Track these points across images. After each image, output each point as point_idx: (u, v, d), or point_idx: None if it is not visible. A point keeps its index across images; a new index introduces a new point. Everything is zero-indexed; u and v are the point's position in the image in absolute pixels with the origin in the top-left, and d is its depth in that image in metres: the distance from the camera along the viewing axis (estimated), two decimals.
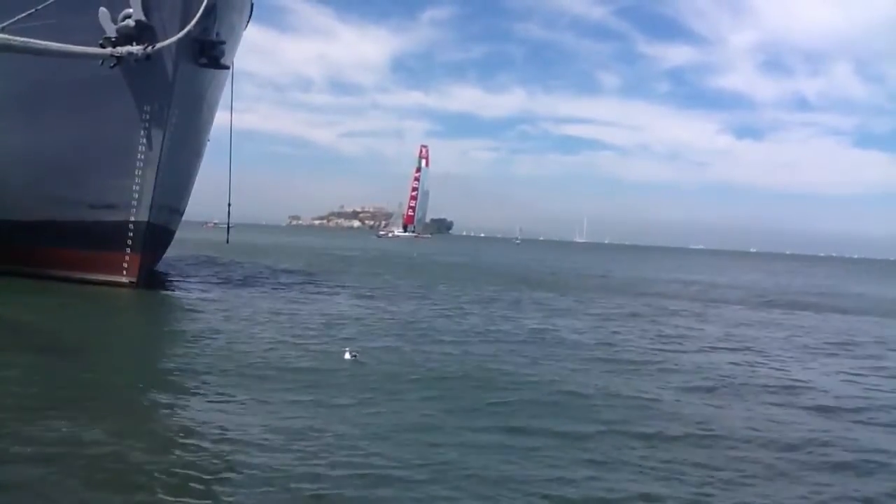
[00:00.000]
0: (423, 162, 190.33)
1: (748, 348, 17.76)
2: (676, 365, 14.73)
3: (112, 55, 19.36)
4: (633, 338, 18.35)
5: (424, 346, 15.25)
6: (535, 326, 19.49)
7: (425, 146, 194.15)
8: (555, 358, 14.62)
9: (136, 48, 19.34)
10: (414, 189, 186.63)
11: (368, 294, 25.93)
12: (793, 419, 10.73)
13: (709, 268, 79.74)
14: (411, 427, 9.15)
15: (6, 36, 17.77)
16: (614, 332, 19.14)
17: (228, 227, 28.34)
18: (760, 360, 15.95)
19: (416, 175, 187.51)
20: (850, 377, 14.71)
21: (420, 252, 78.14)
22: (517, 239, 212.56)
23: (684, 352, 16.70)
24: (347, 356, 13.01)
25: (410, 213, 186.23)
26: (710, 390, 12.49)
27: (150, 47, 19.35)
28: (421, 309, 22.25)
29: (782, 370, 14.94)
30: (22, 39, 17.85)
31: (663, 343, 17.79)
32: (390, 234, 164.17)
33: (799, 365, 15.76)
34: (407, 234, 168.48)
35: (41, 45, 18.13)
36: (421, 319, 19.65)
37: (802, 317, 26.99)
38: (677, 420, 10.19)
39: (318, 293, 25.45)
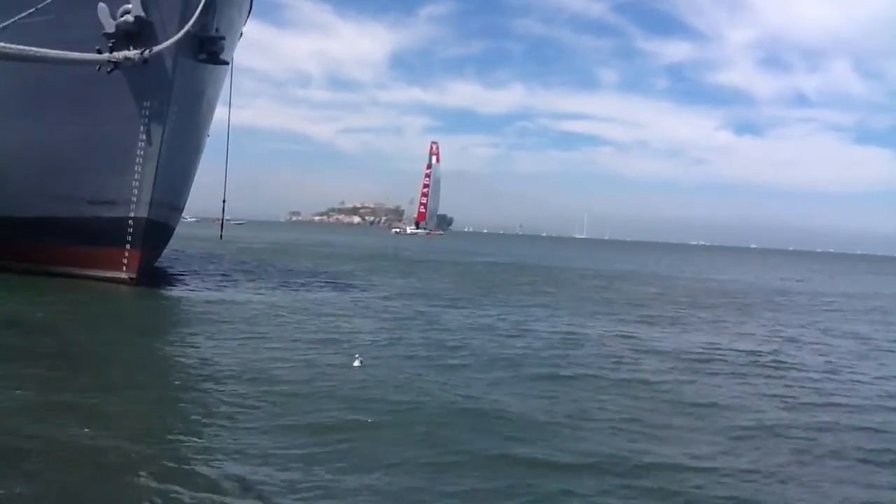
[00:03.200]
0: (434, 158, 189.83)
1: None
2: None
3: (109, 61, 19.33)
4: None
5: None
6: None
7: (435, 142, 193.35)
8: None
9: (132, 53, 19.30)
10: (425, 186, 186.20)
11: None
12: None
13: (769, 268, 76.77)
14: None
15: (3, 44, 17.85)
16: None
17: (223, 223, 28.47)
18: None
19: (427, 171, 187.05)
20: None
21: (457, 251, 74.17)
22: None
23: None
24: (357, 364, 12.31)
25: (422, 210, 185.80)
26: None
27: (147, 51, 19.28)
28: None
29: None
30: (19, 47, 17.91)
31: None
32: (407, 231, 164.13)
33: None
34: (419, 230, 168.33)
35: (39, 52, 18.17)
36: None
37: None
38: None
39: (335, 296, 24.00)
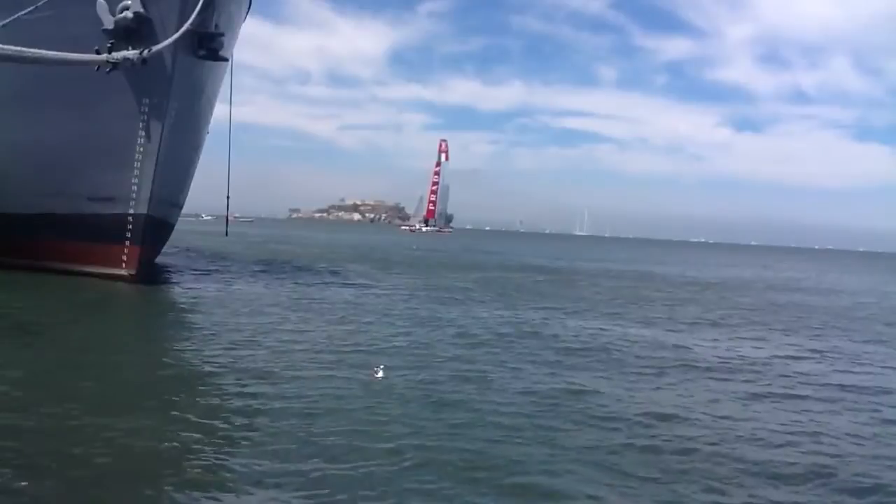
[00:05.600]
0: (443, 156, 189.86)
1: None
2: None
3: (108, 61, 19.29)
4: None
5: None
6: None
7: (444, 140, 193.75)
8: None
9: (132, 53, 19.22)
10: (434, 184, 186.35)
11: None
12: None
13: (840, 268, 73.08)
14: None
15: (1, 45, 17.89)
16: None
17: (227, 220, 28.55)
18: None
19: (436, 169, 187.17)
20: None
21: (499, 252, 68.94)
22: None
23: None
24: (380, 374, 11.29)
25: (431, 208, 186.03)
26: None
27: (146, 51, 19.23)
28: None
29: None
30: (17, 48, 17.93)
31: None
32: (423, 229, 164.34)
33: None
34: (429, 228, 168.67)
35: (37, 53, 18.13)
36: None
37: None
38: None
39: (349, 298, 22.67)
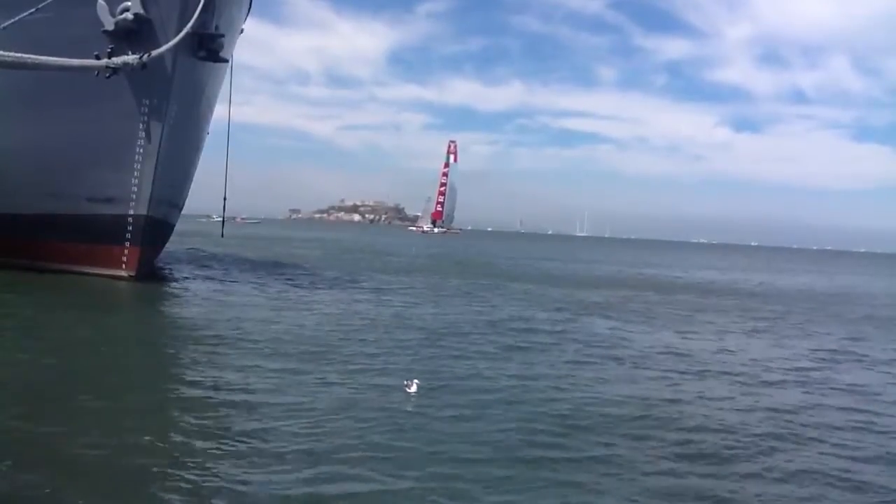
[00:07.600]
0: (452, 157, 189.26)
1: None
2: None
3: (108, 66, 19.32)
4: None
5: None
6: None
7: (453, 141, 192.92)
8: None
9: (131, 58, 19.27)
10: (442, 185, 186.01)
11: None
12: None
13: None
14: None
15: (2, 52, 17.96)
16: None
17: (223, 221, 28.50)
18: None
19: (445, 170, 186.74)
20: None
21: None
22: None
23: None
24: (413, 389, 10.38)
25: (439, 209, 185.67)
26: None
27: (146, 55, 19.25)
28: None
29: None
30: (17, 55, 18.01)
31: None
32: (434, 230, 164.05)
33: None
34: (437, 229, 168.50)
35: (37, 59, 18.18)
36: None
37: None
38: None
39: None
